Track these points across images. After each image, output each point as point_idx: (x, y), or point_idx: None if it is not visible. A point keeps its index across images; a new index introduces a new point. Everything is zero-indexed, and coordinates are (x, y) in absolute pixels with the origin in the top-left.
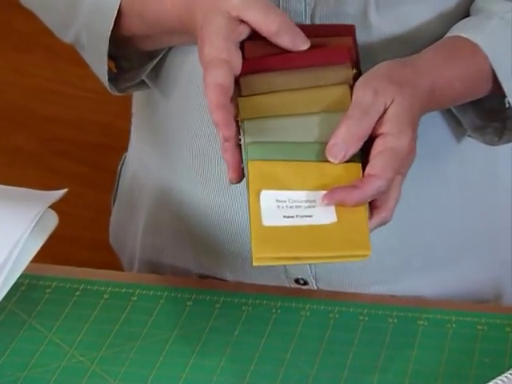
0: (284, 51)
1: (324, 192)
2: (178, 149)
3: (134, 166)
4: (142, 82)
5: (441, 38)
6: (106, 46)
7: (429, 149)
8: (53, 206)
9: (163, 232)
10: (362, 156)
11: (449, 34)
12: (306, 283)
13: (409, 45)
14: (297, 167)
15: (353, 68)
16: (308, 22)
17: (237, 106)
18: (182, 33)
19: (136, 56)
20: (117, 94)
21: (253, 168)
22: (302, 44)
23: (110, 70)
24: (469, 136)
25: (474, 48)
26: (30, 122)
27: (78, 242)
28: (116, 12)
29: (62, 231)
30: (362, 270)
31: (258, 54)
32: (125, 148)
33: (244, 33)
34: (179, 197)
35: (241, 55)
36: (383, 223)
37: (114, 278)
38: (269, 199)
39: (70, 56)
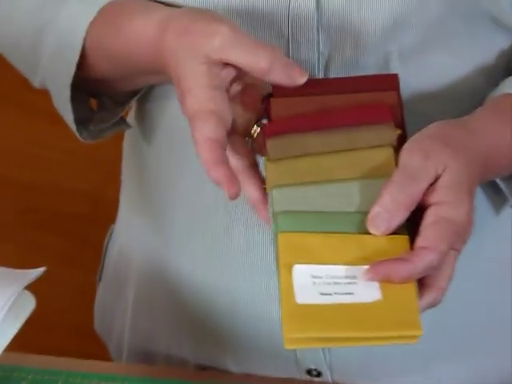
0: (316, 109)
1: (366, 267)
2: (173, 220)
3: (122, 240)
4: (120, 122)
5: (479, 94)
6: (68, 92)
7: None
8: (29, 287)
9: (156, 315)
10: (410, 229)
11: (498, 92)
12: (319, 374)
13: (440, 100)
14: (334, 239)
15: (397, 128)
16: (322, 74)
17: (263, 172)
18: (157, 73)
19: (118, 94)
20: (89, 141)
21: (283, 241)
22: (300, 77)
23: (84, 109)
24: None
25: None
26: (3, 191)
27: (57, 327)
28: (78, 56)
29: (39, 315)
30: (386, 358)
31: (284, 111)
32: (111, 220)
33: (229, 77)
34: (175, 275)
35: (228, 104)
36: (433, 305)
37: (99, 369)
38: (303, 274)
39: (48, 113)
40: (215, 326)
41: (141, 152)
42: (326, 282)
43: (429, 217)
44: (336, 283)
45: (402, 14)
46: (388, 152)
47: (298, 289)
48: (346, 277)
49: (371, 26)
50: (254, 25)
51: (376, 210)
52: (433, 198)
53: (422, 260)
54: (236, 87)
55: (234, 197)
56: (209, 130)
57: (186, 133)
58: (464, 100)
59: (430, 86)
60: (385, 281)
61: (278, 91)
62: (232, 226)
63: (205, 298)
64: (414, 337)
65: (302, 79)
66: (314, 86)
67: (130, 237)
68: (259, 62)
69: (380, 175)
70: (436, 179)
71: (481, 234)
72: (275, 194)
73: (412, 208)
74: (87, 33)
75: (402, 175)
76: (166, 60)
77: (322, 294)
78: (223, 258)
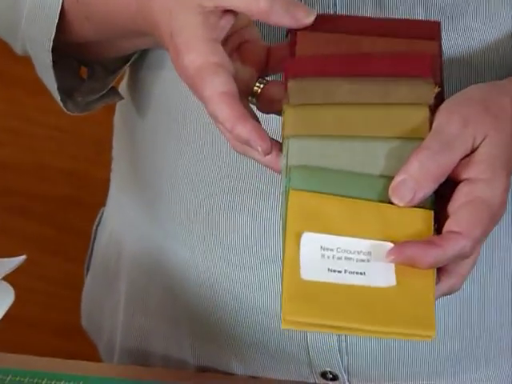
0: (348, 50)
1: (383, 243)
2: (169, 201)
3: (113, 225)
4: (110, 93)
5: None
6: (49, 57)
7: None
8: (6, 278)
9: (152, 311)
10: (436, 202)
11: None
12: (335, 378)
13: (472, 68)
14: (351, 206)
15: (436, 85)
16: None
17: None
18: (141, 34)
19: (106, 60)
20: (76, 113)
21: (295, 199)
22: (306, 16)
23: (72, 77)
24: None
25: None
26: None
27: (39, 324)
28: (57, 16)
29: (18, 311)
30: (412, 360)
31: (312, 49)
32: (99, 203)
33: (227, 27)
34: (173, 266)
35: (228, 58)
36: (451, 292)
37: (87, 371)
38: (312, 245)
39: (29, 83)
40: (217, 323)
41: (134, 126)
42: (337, 256)
43: (462, 195)
44: (347, 259)
45: None
46: (423, 112)
47: (304, 262)
48: (360, 252)
49: None
50: None
51: (401, 177)
52: (467, 173)
53: (454, 247)
54: (233, 41)
55: (269, 152)
56: (222, 84)
57: (185, 103)
58: (495, 69)
59: (460, 52)
60: (406, 264)
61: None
62: (236, 209)
63: (205, 290)
64: (427, 336)
65: (308, 19)
66: (347, 24)
67: (121, 221)
68: (258, 2)
69: (412, 137)
70: (472, 150)
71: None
72: (291, 145)
73: (442, 180)
74: None
75: (435, 141)
76: (154, 16)
77: (331, 270)
78: (225, 244)
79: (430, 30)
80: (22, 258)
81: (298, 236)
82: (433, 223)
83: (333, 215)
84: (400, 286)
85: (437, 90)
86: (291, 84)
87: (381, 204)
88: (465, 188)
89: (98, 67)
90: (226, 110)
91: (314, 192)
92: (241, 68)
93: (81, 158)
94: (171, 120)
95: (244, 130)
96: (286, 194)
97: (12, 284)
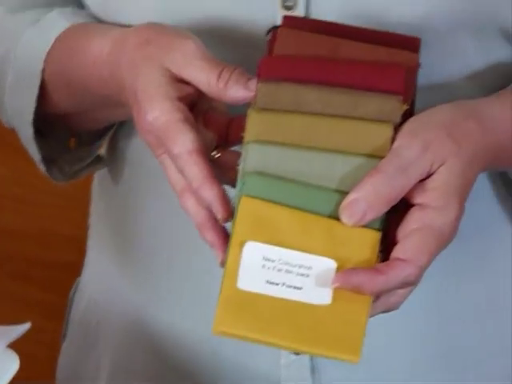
0: (326, 51)
1: (326, 260)
2: (149, 264)
3: (91, 292)
4: (96, 161)
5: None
6: (31, 130)
7: (469, 229)
8: (11, 345)
9: (136, 379)
10: (385, 222)
11: None
12: None
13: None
14: (301, 219)
15: (405, 102)
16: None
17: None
18: (115, 105)
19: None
20: (61, 182)
21: (246, 206)
22: (253, 83)
23: (61, 148)
24: None
25: None
26: None
27: None
28: (37, 90)
29: (21, 376)
30: (393, 376)
31: (290, 48)
32: None
33: (191, 92)
34: (158, 330)
35: (192, 116)
36: (388, 311)
37: None
38: (254, 254)
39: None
40: (198, 380)
41: (112, 193)
42: (278, 267)
43: (413, 221)
44: (288, 271)
45: (411, 26)
46: (387, 130)
47: (243, 271)
48: (301, 266)
49: None
50: (218, 45)
51: (353, 196)
52: (420, 198)
53: (399, 275)
54: (198, 108)
55: (227, 221)
56: (190, 142)
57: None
58: (465, 91)
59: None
60: (351, 291)
61: (289, 22)
62: (216, 269)
63: (194, 353)
64: (350, 360)
65: (253, 84)
66: (330, 27)
67: (101, 287)
68: (217, 78)
69: (371, 154)
70: (429, 175)
71: (490, 245)
72: (251, 150)
73: (394, 203)
74: (45, 63)
75: (391, 165)
76: (123, 74)
77: (269, 282)
78: (205, 303)
79: (411, 44)
80: (27, 325)
81: (243, 244)
82: (378, 245)
83: (281, 226)
84: (334, 306)
85: (405, 107)
86: (260, 86)
87: (331, 220)
88: (416, 214)
89: (84, 135)
90: (195, 169)
91: (267, 200)
92: (202, 130)
93: (83, 224)
94: (149, 186)
95: (209, 193)
96: (238, 200)
97: (15, 351)
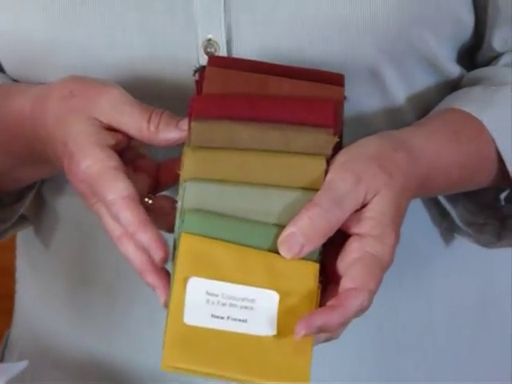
0: (255, 89)
1: (269, 291)
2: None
3: (22, 347)
4: (23, 219)
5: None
6: None
7: (405, 254)
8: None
9: None
10: (323, 253)
11: (446, 105)
12: None
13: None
14: (240, 253)
15: (335, 135)
16: None
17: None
18: (36, 162)
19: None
20: None
21: (186, 243)
22: (183, 122)
23: None
24: (459, 235)
25: (479, 128)
26: None
27: None
28: None
29: None
30: None
31: (219, 87)
32: None
33: (120, 139)
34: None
35: (122, 163)
36: (330, 339)
37: None
38: (198, 289)
39: None
40: None
41: (40, 246)
42: (222, 302)
43: (353, 251)
44: (232, 305)
45: (331, 63)
46: (320, 163)
47: (188, 306)
48: (244, 299)
49: None
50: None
51: (290, 230)
52: (357, 228)
53: (353, 302)
54: (127, 156)
55: (165, 261)
56: (124, 189)
57: (98, 229)
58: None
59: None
60: (316, 333)
61: (215, 62)
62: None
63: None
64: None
65: (184, 124)
66: (255, 66)
67: (37, 337)
68: (150, 125)
69: (306, 187)
70: (363, 205)
71: (427, 269)
72: (188, 188)
73: (331, 234)
74: None
75: (326, 198)
76: (48, 129)
77: (214, 316)
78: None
79: (335, 80)
80: (25, 363)
81: (186, 280)
82: (318, 276)
83: (222, 261)
84: (280, 336)
85: (336, 140)
86: (193, 125)
87: (269, 254)
88: (355, 243)
89: (4, 197)
90: (129, 214)
91: (206, 236)
92: (133, 177)
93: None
94: (83, 235)
95: (145, 236)
96: (178, 237)
97: None
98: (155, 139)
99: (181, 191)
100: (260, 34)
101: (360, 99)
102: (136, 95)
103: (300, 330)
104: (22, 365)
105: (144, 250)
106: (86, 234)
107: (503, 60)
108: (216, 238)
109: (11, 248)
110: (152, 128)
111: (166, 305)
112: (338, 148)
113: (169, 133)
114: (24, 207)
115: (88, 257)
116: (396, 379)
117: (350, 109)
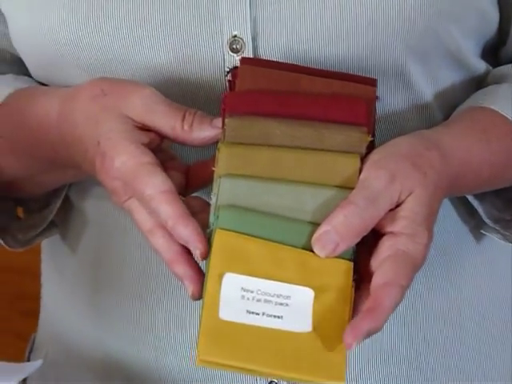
0: (288, 87)
1: (303, 288)
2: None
3: (48, 349)
4: (51, 226)
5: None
6: None
7: (434, 254)
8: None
9: None
10: (356, 252)
11: (474, 103)
12: None
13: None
14: (274, 250)
15: (368, 134)
16: None
17: (215, 155)
18: (61, 167)
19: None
20: (18, 249)
21: (221, 239)
22: (217, 120)
23: (11, 218)
24: (487, 232)
25: (507, 126)
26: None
27: None
28: None
29: None
30: None
31: (252, 84)
32: None
33: (153, 138)
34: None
35: (157, 159)
36: (374, 333)
37: None
38: (233, 285)
39: None
40: None
41: (68, 252)
42: (257, 298)
43: (386, 249)
44: (267, 301)
45: (358, 59)
46: (354, 162)
47: (224, 302)
48: (279, 295)
49: None
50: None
51: (325, 228)
52: (391, 227)
53: (389, 297)
54: (158, 157)
55: (205, 256)
56: (162, 183)
57: (126, 231)
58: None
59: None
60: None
61: (248, 62)
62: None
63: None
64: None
65: (218, 122)
66: (286, 67)
67: (60, 342)
68: (180, 123)
69: (341, 185)
70: (398, 204)
71: (455, 266)
72: (223, 184)
73: (365, 233)
74: None
75: (361, 196)
76: (77, 131)
77: (249, 312)
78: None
79: (368, 82)
80: (39, 362)
81: (221, 276)
82: (352, 274)
83: (256, 257)
84: (315, 332)
85: (370, 139)
86: (228, 121)
87: (303, 251)
88: (388, 242)
89: (32, 203)
90: (169, 208)
91: (241, 233)
92: (169, 173)
93: None
94: (110, 238)
95: (185, 230)
96: (213, 233)
97: None
98: (189, 138)
99: (215, 187)
100: (286, 30)
101: (387, 96)
102: (161, 94)
103: (351, 342)
104: (36, 364)
105: (175, 241)
106: (112, 236)
107: None
108: (250, 234)
109: (37, 250)
110: (186, 127)
111: (194, 296)
112: (370, 147)
113: (203, 131)
114: (53, 213)
115: (115, 259)
116: (425, 379)
117: (378, 106)
